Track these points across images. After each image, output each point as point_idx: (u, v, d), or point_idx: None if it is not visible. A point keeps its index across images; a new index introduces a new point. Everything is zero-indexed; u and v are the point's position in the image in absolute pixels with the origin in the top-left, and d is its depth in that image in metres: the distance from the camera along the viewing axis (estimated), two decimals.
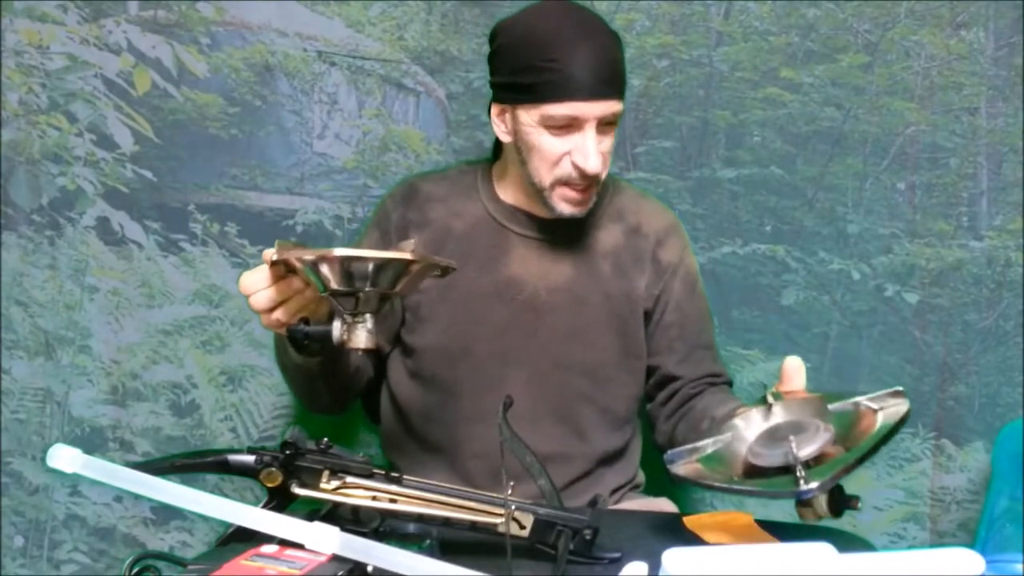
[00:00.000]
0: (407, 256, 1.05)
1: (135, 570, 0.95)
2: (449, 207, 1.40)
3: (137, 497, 0.97)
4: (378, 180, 1.72)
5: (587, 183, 1.29)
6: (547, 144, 1.27)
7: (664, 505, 1.47)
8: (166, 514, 1.75)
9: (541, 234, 1.38)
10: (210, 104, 1.71)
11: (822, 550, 0.85)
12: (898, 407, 1.03)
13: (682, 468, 1.10)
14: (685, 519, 1.21)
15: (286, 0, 1.70)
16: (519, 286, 1.36)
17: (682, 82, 1.71)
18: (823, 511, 1.06)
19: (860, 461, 0.97)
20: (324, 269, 1.03)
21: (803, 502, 1.08)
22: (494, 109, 1.35)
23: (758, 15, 1.70)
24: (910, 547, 1.77)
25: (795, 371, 1.11)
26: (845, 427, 1.04)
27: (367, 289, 1.04)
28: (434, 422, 1.39)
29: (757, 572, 0.85)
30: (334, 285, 1.04)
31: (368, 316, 1.06)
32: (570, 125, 1.26)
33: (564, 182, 1.29)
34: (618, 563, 1.00)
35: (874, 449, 0.98)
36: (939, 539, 1.75)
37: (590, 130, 1.26)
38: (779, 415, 1.08)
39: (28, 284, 1.72)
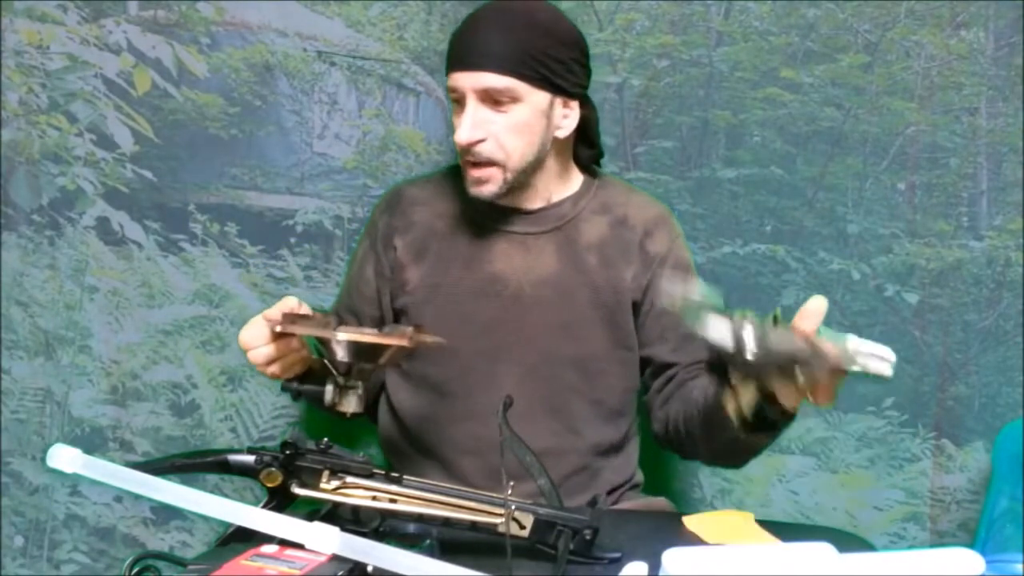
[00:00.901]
0: (405, 344, 1.11)
1: (135, 570, 0.95)
2: (432, 208, 1.42)
3: (137, 497, 0.97)
4: (378, 180, 1.72)
5: (475, 159, 1.31)
6: (454, 121, 1.33)
7: (663, 505, 1.47)
8: (166, 514, 1.75)
9: (523, 228, 1.39)
10: (210, 104, 1.71)
11: (822, 550, 0.85)
12: (879, 367, 1.02)
13: None
14: (685, 519, 1.21)
15: (286, 0, 1.70)
16: (503, 282, 1.37)
17: (682, 82, 1.71)
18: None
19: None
20: (325, 343, 1.10)
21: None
22: None
23: (758, 15, 1.70)
24: (910, 547, 1.77)
25: (813, 312, 1.05)
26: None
27: (363, 365, 1.12)
28: (426, 421, 1.39)
29: (757, 572, 0.85)
30: (333, 358, 1.11)
31: (359, 383, 1.14)
32: (460, 100, 1.31)
33: (464, 161, 1.33)
34: (618, 563, 1.00)
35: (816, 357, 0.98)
36: (939, 539, 1.75)
37: (470, 102, 1.29)
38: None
39: (28, 284, 1.72)
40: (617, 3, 1.69)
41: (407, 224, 1.42)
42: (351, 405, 1.14)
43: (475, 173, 1.32)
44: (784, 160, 1.71)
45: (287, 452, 1.05)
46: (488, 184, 1.33)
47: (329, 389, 1.14)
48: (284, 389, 1.22)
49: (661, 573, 0.85)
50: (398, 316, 1.41)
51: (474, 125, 1.28)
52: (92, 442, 1.73)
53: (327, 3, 1.70)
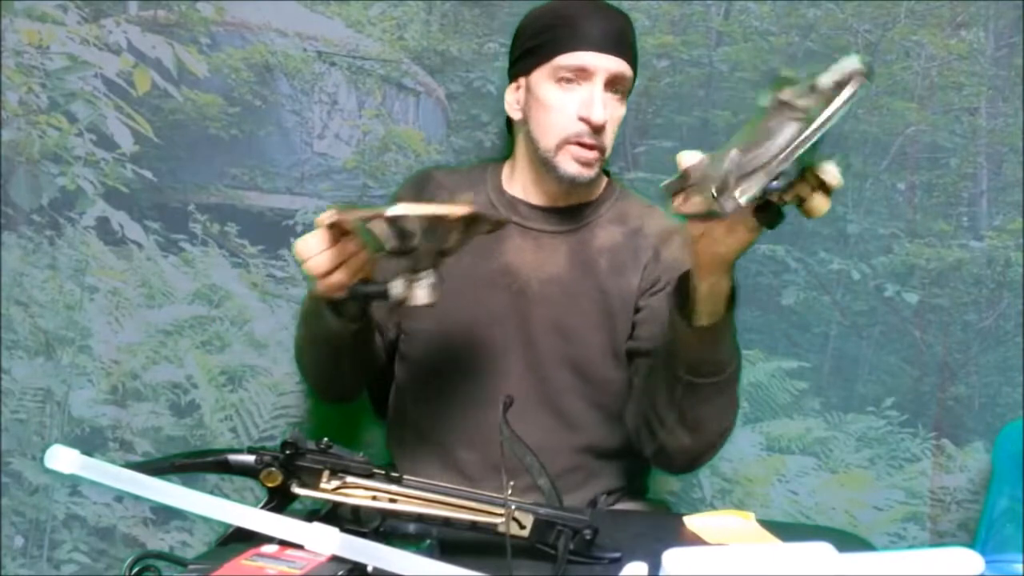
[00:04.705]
0: (459, 212, 1.04)
1: (135, 570, 0.95)
2: (455, 197, 1.41)
3: (137, 497, 0.97)
4: (378, 180, 1.72)
5: (594, 141, 1.31)
6: (557, 100, 1.32)
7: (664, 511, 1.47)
8: (166, 514, 1.75)
9: (538, 225, 1.39)
10: (210, 104, 1.71)
11: (822, 550, 0.85)
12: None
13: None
14: (685, 519, 1.21)
15: (286, 0, 1.70)
16: (513, 275, 1.37)
17: (682, 82, 1.71)
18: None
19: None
20: (378, 229, 1.05)
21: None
22: (509, 90, 1.40)
23: (758, 15, 1.70)
24: (910, 547, 1.77)
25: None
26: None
27: (423, 245, 1.05)
28: (426, 403, 1.39)
29: (757, 572, 0.85)
30: (389, 244, 1.05)
31: (427, 272, 1.07)
32: (579, 78, 1.31)
33: (572, 140, 1.31)
34: (618, 563, 1.00)
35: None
36: (939, 539, 1.75)
37: (598, 83, 1.30)
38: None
39: (28, 284, 1.72)
40: (617, 3, 1.69)
41: None
42: (423, 296, 1.07)
43: (588, 154, 1.32)
44: None
45: (287, 452, 1.05)
46: (591, 168, 1.34)
47: (396, 283, 1.07)
48: (352, 294, 1.14)
49: (661, 573, 0.85)
50: None
51: (605, 106, 1.29)
52: (92, 442, 1.73)
53: (327, 3, 1.70)
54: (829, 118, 0.91)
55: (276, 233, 1.72)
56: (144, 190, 1.71)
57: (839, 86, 0.92)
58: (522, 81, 1.37)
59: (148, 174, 1.71)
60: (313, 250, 1.12)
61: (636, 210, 1.44)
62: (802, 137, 0.91)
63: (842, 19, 1.69)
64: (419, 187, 1.45)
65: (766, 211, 1.03)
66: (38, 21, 1.68)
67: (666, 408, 1.23)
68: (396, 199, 1.45)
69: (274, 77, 1.71)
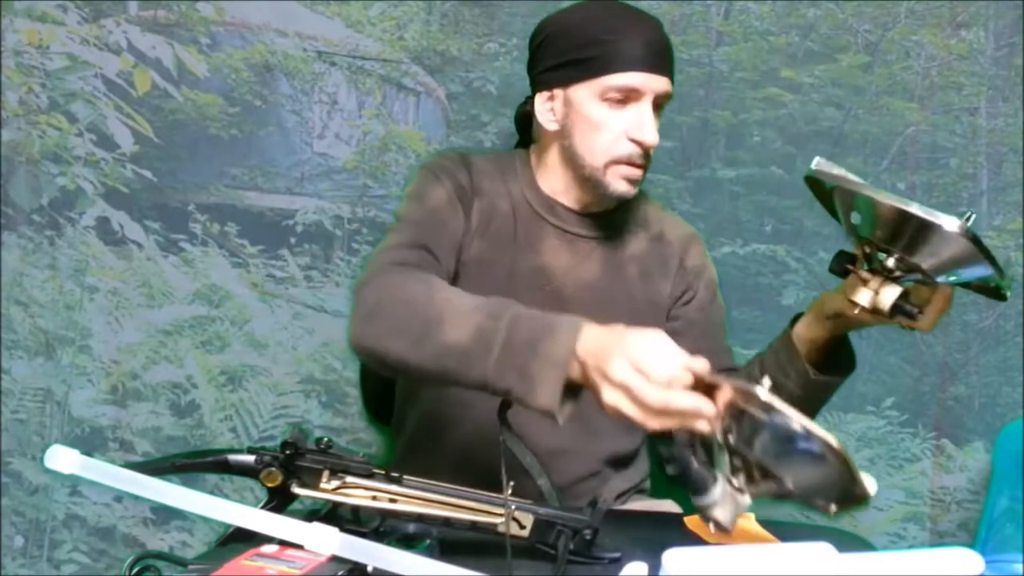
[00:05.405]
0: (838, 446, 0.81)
1: (135, 570, 0.95)
2: (496, 185, 1.37)
3: (137, 497, 0.97)
4: (378, 180, 1.72)
5: (643, 161, 1.30)
6: (604, 119, 1.28)
7: (669, 507, 1.47)
8: (166, 514, 1.75)
9: (574, 228, 1.38)
10: (210, 104, 1.71)
11: (822, 550, 0.85)
12: None
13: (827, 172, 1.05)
14: (686, 519, 1.21)
15: (286, 0, 1.70)
16: (548, 276, 1.36)
17: (682, 82, 1.71)
18: (884, 305, 1.04)
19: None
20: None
21: (861, 286, 1.04)
22: (540, 98, 1.34)
23: (758, 15, 1.70)
24: (910, 547, 1.77)
25: None
26: None
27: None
28: (449, 401, 1.35)
29: (757, 572, 0.85)
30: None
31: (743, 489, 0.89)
32: (627, 99, 1.27)
33: (622, 161, 1.29)
34: (618, 563, 1.00)
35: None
36: (939, 539, 1.75)
37: (647, 103, 1.27)
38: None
39: (28, 284, 1.72)
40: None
41: (480, 189, 1.35)
42: (725, 520, 0.89)
43: (637, 173, 1.30)
44: (784, 160, 1.71)
45: (287, 452, 1.05)
46: (637, 185, 1.32)
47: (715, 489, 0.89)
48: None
49: (661, 573, 0.85)
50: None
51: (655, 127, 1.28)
52: (92, 442, 1.73)
53: (327, 3, 1.70)
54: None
55: (276, 233, 1.72)
56: (144, 190, 1.71)
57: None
58: (559, 92, 1.30)
59: (148, 174, 1.71)
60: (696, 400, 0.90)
61: (653, 214, 1.43)
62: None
63: (842, 19, 1.69)
64: (465, 167, 1.35)
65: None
66: (38, 21, 1.68)
67: None
68: (447, 173, 1.32)
69: (274, 77, 1.71)
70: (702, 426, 0.89)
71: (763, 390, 0.82)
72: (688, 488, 0.92)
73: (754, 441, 0.84)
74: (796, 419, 0.80)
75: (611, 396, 0.92)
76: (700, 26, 1.70)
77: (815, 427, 0.80)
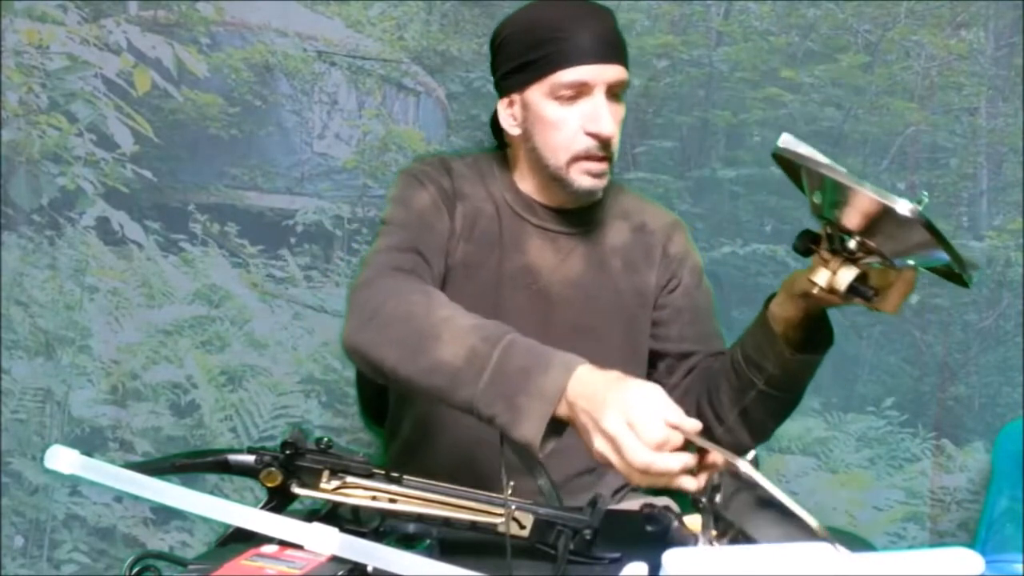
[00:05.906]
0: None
1: (135, 570, 0.95)
2: (476, 189, 1.39)
3: (137, 497, 0.97)
4: (378, 180, 1.72)
5: (604, 153, 1.29)
6: (559, 117, 1.28)
7: (666, 504, 1.47)
8: (166, 514, 1.75)
9: (555, 226, 1.38)
10: (210, 104, 1.71)
11: (822, 550, 0.85)
12: None
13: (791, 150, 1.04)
14: (685, 519, 1.21)
15: (286, 0, 1.70)
16: (534, 275, 1.36)
17: (682, 82, 1.71)
18: (840, 286, 1.02)
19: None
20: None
21: (822, 264, 1.03)
22: (501, 105, 1.35)
23: (758, 15, 1.70)
24: (910, 547, 1.77)
25: None
26: None
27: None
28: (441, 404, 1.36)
29: (757, 572, 0.85)
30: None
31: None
32: (580, 93, 1.27)
33: (582, 156, 1.30)
34: (618, 563, 1.00)
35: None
36: (939, 539, 1.75)
37: (599, 95, 1.27)
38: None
39: (28, 284, 1.72)
40: (617, 3, 1.69)
41: (462, 195, 1.36)
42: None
43: (600, 167, 1.30)
44: None
45: (287, 452, 1.05)
46: (604, 178, 1.32)
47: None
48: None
49: (661, 573, 0.85)
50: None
51: (611, 117, 1.27)
52: (92, 442, 1.73)
53: (327, 3, 1.70)
54: None
55: (276, 233, 1.72)
56: (144, 190, 1.71)
57: None
58: (516, 97, 1.31)
59: (148, 174, 1.71)
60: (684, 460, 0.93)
61: (634, 204, 1.44)
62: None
63: (842, 19, 1.69)
64: (447, 173, 1.36)
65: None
66: (38, 21, 1.68)
67: (729, 408, 1.26)
68: (429, 178, 1.34)
69: (274, 77, 1.71)
70: (688, 485, 0.92)
71: (745, 463, 0.84)
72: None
73: (737, 507, 0.88)
74: (779, 497, 0.82)
75: (601, 446, 0.94)
76: (700, 26, 1.70)
77: (797, 507, 0.82)
